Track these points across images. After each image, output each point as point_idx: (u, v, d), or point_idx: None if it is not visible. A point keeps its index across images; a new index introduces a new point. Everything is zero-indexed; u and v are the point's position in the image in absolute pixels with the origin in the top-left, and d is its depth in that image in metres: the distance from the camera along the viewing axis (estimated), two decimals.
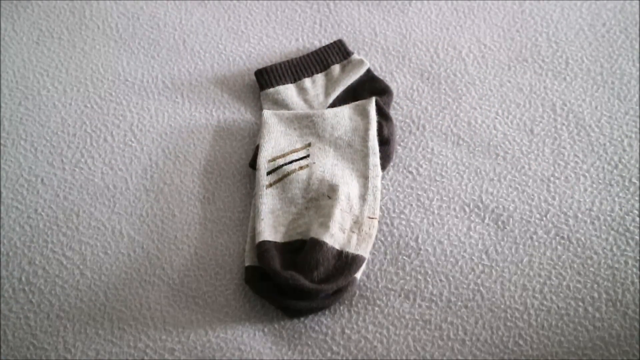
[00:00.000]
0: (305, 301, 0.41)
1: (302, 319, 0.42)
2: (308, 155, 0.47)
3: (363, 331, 0.41)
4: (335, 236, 0.42)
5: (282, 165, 0.46)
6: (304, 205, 0.44)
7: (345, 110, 0.49)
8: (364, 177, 0.46)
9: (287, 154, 0.47)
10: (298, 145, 0.48)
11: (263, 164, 0.46)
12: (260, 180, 0.46)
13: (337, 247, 0.42)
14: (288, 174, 0.45)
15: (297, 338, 0.41)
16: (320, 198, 0.44)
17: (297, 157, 0.47)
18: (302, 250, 0.42)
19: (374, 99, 0.50)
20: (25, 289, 0.44)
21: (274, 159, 0.46)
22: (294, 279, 0.40)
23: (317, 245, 0.42)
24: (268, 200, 0.45)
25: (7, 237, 0.46)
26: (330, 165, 0.46)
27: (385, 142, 0.49)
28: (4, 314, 0.42)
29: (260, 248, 0.42)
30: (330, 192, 0.44)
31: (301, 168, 0.46)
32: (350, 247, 0.42)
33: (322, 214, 0.43)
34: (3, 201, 0.48)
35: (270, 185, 0.45)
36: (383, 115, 0.50)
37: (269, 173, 0.46)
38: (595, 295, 0.42)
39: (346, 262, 0.41)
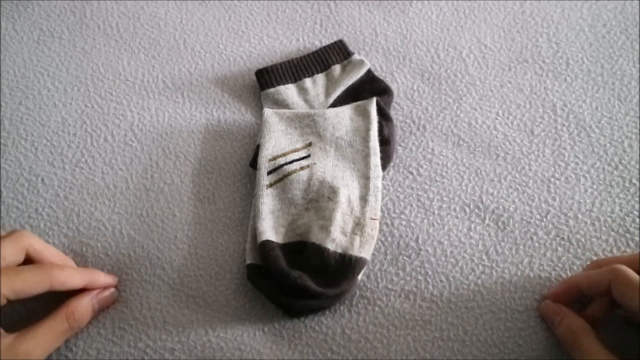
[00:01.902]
0: (307, 300, 0.41)
1: (302, 318, 0.42)
2: (309, 155, 0.47)
3: (363, 331, 0.41)
4: (337, 240, 0.42)
5: (283, 165, 0.46)
6: (303, 206, 0.44)
7: (347, 110, 0.49)
8: (365, 178, 0.46)
9: (288, 153, 0.47)
10: (299, 145, 0.47)
11: (264, 163, 0.46)
12: (260, 180, 0.46)
13: (340, 250, 0.42)
14: (289, 174, 0.45)
15: (297, 338, 0.41)
16: (321, 199, 0.44)
17: (297, 157, 0.47)
18: (302, 252, 0.42)
19: (374, 100, 0.49)
20: None
21: (274, 158, 0.46)
22: (302, 279, 0.40)
23: (318, 251, 0.42)
24: (268, 201, 0.45)
25: None
26: (331, 166, 0.46)
27: (385, 143, 0.49)
28: (5, 313, 0.42)
29: (265, 247, 0.42)
30: (330, 194, 0.44)
31: (302, 168, 0.46)
32: (354, 250, 0.42)
33: (322, 216, 0.43)
34: (3, 201, 0.48)
35: (271, 185, 0.45)
36: (383, 115, 0.50)
37: (269, 173, 0.46)
38: None
39: (350, 265, 0.41)
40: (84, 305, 0.41)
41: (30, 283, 0.38)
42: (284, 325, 0.42)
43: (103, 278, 0.43)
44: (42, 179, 0.50)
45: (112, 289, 0.43)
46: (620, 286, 0.36)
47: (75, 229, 0.47)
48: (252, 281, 0.42)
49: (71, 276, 0.40)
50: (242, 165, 0.50)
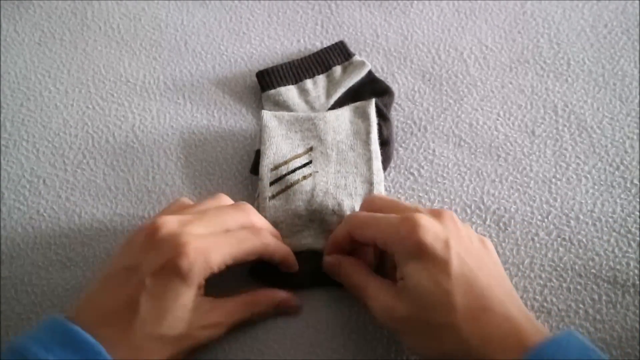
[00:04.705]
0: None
1: (304, 318, 0.42)
2: (310, 162, 0.46)
3: (363, 331, 0.41)
4: None
5: (285, 175, 0.45)
6: (307, 217, 0.44)
7: (346, 113, 0.49)
8: (369, 183, 0.45)
9: (289, 160, 0.46)
10: (300, 150, 0.47)
11: (265, 174, 0.46)
12: (263, 192, 0.45)
13: None
14: (291, 184, 0.45)
15: (299, 337, 0.41)
16: (325, 212, 0.44)
17: (299, 164, 0.46)
18: (311, 260, 0.43)
19: (373, 101, 0.49)
20: (28, 289, 0.44)
21: (276, 167, 0.46)
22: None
23: None
24: (271, 214, 0.44)
25: (10, 238, 0.46)
26: (333, 173, 0.46)
27: (385, 143, 0.49)
28: (6, 315, 0.43)
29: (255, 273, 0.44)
30: (335, 206, 0.44)
31: (304, 178, 0.45)
32: None
33: (328, 229, 0.44)
34: (5, 202, 0.48)
35: (273, 196, 0.45)
36: (381, 115, 0.50)
37: (271, 183, 0.45)
38: (596, 297, 0.42)
39: None
40: (270, 300, 0.41)
41: (248, 250, 0.39)
42: (286, 324, 0.42)
43: (292, 263, 0.42)
44: (44, 180, 0.50)
45: (298, 305, 0.42)
46: (356, 229, 0.39)
47: (77, 230, 0.47)
48: (254, 279, 0.43)
49: (277, 248, 0.41)
50: (243, 167, 0.50)
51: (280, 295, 0.41)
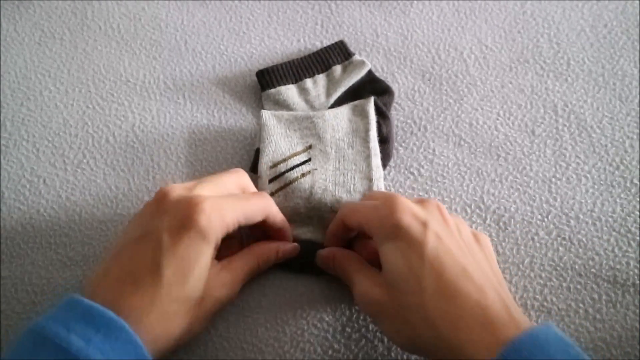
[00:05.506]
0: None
1: (303, 314, 0.42)
2: (309, 159, 0.46)
3: (364, 330, 0.41)
4: None
5: (284, 173, 0.46)
6: (306, 214, 0.45)
7: (345, 112, 0.49)
8: (368, 179, 0.46)
9: (288, 158, 0.46)
10: (299, 148, 0.47)
11: (264, 171, 0.46)
12: (262, 189, 0.45)
13: None
14: (290, 182, 0.45)
15: (299, 335, 0.41)
16: (324, 209, 0.44)
17: (298, 162, 0.46)
18: (312, 249, 0.44)
19: (372, 99, 0.49)
20: (28, 289, 0.44)
21: (275, 165, 0.46)
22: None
23: None
24: None
25: (10, 238, 0.46)
26: (332, 170, 0.46)
27: (384, 141, 0.49)
28: (6, 314, 0.43)
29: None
30: (333, 203, 0.44)
31: (303, 175, 0.45)
32: None
33: (327, 225, 0.44)
34: (5, 202, 0.48)
35: (272, 194, 0.45)
36: (381, 113, 0.50)
37: (270, 181, 0.46)
38: (596, 296, 0.42)
39: None
40: (270, 249, 0.42)
41: (256, 209, 0.40)
42: (286, 322, 0.42)
43: (289, 235, 0.44)
44: (44, 180, 0.50)
45: (296, 244, 0.43)
46: (346, 216, 0.40)
47: (77, 229, 0.47)
48: None
49: (278, 212, 0.42)
50: (243, 166, 0.50)
51: (275, 243, 0.43)
